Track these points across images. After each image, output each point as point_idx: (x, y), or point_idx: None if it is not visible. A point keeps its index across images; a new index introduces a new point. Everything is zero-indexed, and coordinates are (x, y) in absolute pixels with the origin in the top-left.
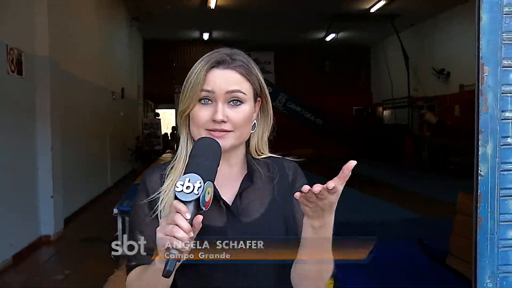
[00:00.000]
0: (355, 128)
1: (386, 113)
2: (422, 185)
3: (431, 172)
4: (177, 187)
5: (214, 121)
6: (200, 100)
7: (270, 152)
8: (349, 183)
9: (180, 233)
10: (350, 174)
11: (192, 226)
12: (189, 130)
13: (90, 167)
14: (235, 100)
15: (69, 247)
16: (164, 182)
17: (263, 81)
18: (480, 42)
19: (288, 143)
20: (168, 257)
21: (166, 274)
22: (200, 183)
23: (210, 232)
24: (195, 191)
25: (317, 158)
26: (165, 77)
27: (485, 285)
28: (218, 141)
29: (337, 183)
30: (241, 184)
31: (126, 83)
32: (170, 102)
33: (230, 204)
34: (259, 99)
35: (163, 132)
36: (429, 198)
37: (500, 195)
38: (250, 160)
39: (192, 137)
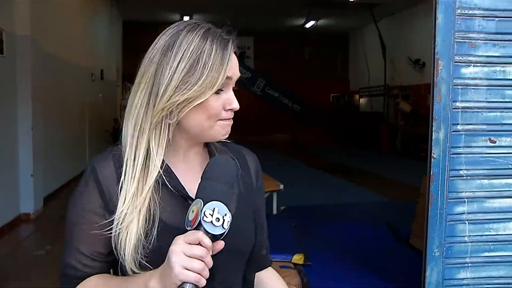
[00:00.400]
0: (332, 115)
1: (362, 100)
2: (394, 171)
3: (403, 158)
4: (206, 217)
5: (230, 110)
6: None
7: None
8: (326, 168)
9: (206, 271)
10: None
11: None
12: (168, 124)
13: (70, 147)
14: (234, 87)
15: (49, 224)
16: (121, 182)
17: None
18: (436, 40)
19: (265, 128)
20: None
21: None
22: (229, 217)
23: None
24: (224, 226)
25: (293, 143)
26: None
27: (433, 254)
28: (226, 131)
29: None
30: None
31: (105, 64)
32: None
33: None
34: None
35: None
36: (399, 183)
37: (449, 175)
38: (211, 145)
39: (184, 128)
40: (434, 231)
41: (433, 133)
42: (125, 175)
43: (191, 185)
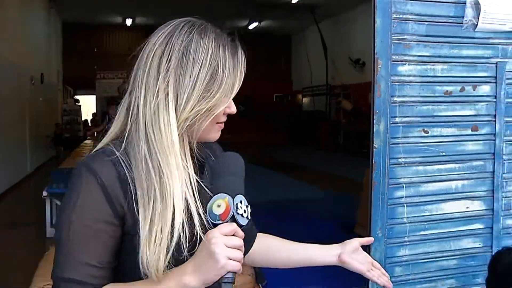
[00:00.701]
0: (276, 115)
1: (305, 100)
2: (337, 167)
3: (346, 155)
4: (239, 209)
5: (229, 114)
6: None
7: None
8: (270, 166)
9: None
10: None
11: None
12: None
13: (10, 153)
14: None
15: None
16: (126, 180)
17: None
18: (375, 41)
19: None
20: (229, 282)
21: None
22: (249, 208)
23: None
24: (248, 216)
25: (238, 143)
26: (85, 62)
27: (376, 234)
28: (219, 134)
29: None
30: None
31: (45, 67)
32: (90, 88)
33: None
34: None
35: (83, 119)
36: (343, 177)
37: (389, 163)
38: (195, 150)
39: (190, 130)
40: (377, 214)
41: (374, 126)
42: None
43: None
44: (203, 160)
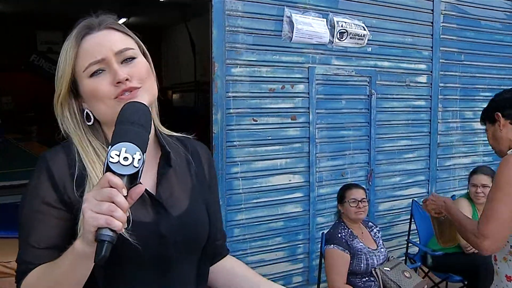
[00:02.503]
0: None
1: (175, 96)
2: None
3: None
4: (112, 158)
5: (119, 83)
6: (91, 75)
7: None
8: None
9: (119, 212)
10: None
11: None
12: (79, 116)
13: None
14: (127, 59)
15: None
16: (75, 169)
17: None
18: (212, 48)
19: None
20: (102, 239)
21: (100, 260)
22: (140, 154)
23: (138, 230)
24: (135, 164)
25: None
26: None
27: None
28: None
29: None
30: (159, 169)
31: None
32: None
33: (153, 193)
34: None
35: None
36: None
37: (226, 146)
38: (161, 137)
39: (101, 121)
40: (218, 186)
41: (213, 116)
42: (87, 167)
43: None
44: (169, 150)
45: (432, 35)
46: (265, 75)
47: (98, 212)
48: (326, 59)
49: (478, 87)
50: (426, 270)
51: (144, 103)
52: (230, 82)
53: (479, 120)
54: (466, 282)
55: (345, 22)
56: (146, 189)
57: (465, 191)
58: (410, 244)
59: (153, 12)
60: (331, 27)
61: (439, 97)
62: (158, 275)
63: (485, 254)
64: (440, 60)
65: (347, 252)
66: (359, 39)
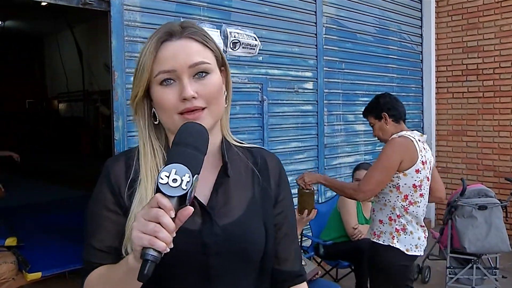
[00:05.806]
0: (30, 121)
1: (62, 106)
2: (95, 170)
3: (106, 159)
4: (162, 179)
5: (185, 99)
6: (161, 83)
7: None
8: (28, 175)
9: (164, 233)
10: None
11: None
12: (148, 115)
13: None
14: (200, 73)
15: None
16: (131, 172)
17: (221, 48)
18: (112, 57)
19: None
20: (146, 259)
21: (142, 279)
22: (189, 177)
23: (182, 237)
24: (183, 186)
25: None
26: None
27: None
28: None
29: None
30: (217, 179)
31: None
32: None
33: (205, 203)
34: (222, 68)
35: None
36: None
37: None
38: (224, 148)
39: (164, 126)
40: None
41: (115, 122)
42: (141, 168)
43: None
44: (230, 160)
45: (316, 45)
46: None
47: (144, 232)
48: None
49: (358, 92)
50: (318, 260)
51: (205, 126)
52: (130, 90)
53: (360, 122)
54: (353, 267)
55: (238, 33)
56: (196, 198)
57: None
58: (304, 238)
59: (33, 17)
60: (225, 37)
61: (324, 102)
62: (204, 285)
63: (359, 200)
64: (324, 68)
65: None
66: (251, 48)
